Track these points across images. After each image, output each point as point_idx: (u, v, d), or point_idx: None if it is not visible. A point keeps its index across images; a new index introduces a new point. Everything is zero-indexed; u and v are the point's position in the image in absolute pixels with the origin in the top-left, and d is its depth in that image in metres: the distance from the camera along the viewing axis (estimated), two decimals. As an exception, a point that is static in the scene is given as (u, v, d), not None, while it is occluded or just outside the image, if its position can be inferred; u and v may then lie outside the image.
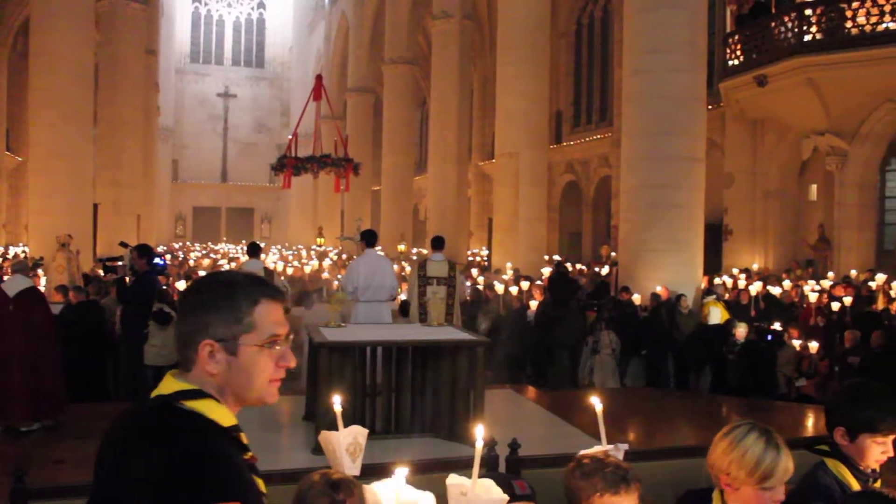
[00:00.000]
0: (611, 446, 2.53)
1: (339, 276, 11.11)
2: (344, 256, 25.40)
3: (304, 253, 31.40)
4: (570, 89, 29.86)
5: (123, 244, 10.82)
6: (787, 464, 2.27)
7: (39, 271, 14.28)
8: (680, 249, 12.87)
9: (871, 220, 18.75)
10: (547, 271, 16.93)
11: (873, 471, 2.66)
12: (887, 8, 15.43)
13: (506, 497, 1.67)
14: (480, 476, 2.58)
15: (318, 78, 19.31)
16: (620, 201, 14.41)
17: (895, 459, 2.72)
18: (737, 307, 12.78)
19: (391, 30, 30.56)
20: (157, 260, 10.61)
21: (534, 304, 12.44)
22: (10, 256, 21.16)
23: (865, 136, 17.60)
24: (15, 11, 29.09)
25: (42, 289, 10.01)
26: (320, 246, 30.84)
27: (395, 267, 16.19)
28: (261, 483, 1.66)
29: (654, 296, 12.17)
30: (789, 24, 16.71)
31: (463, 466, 5.29)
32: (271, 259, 24.40)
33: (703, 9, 13.60)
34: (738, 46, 18.54)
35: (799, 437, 6.77)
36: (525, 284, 14.14)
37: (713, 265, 17.62)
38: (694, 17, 13.19)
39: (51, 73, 16.75)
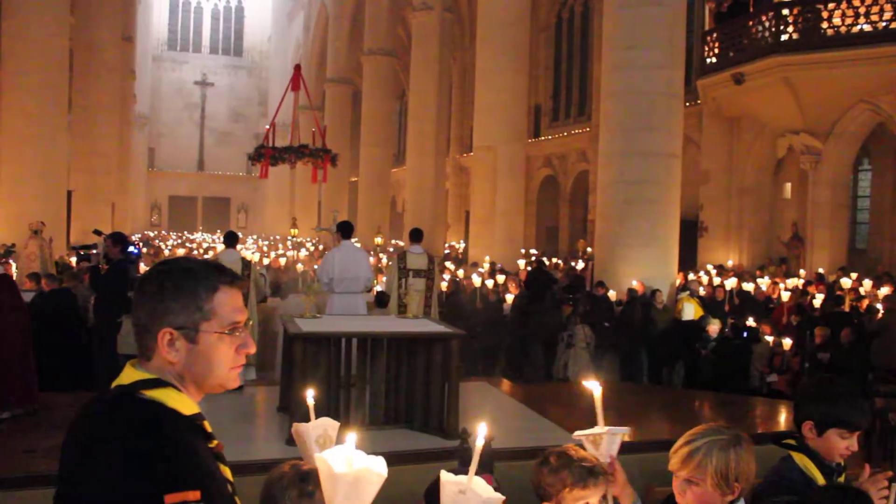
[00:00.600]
0: (609, 428, 2.52)
1: (316, 267, 11.08)
2: (321, 247, 25.30)
3: (280, 244, 31.26)
4: (549, 84, 29.93)
5: (97, 232, 10.71)
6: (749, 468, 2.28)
7: (11, 259, 14.10)
8: (655, 245, 12.96)
9: (844, 219, 18.97)
10: (522, 264, 16.98)
11: (838, 465, 2.70)
12: (862, 10, 15.60)
13: (501, 497, 1.67)
14: (451, 471, 2.60)
15: (297, 68, 19.18)
16: (597, 196, 14.48)
17: (860, 454, 2.77)
18: (711, 303, 12.89)
19: (371, 21, 30.42)
20: (131, 248, 10.51)
21: (510, 298, 12.48)
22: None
23: (839, 135, 17.80)
24: (-12, -6, 28.65)
25: (13, 276, 9.88)
26: (294, 237, 30.69)
27: (372, 259, 16.19)
28: (227, 471, 1.66)
29: (631, 291, 12.25)
30: (767, 24, 16.84)
31: (436, 458, 5.32)
32: (248, 249, 24.29)
33: (682, 6, 13.67)
34: (717, 44, 18.66)
35: (768, 432, 6.86)
36: (501, 278, 14.19)
37: (688, 261, 17.77)
38: (673, 14, 13.26)
39: (24, 58, 16.49)
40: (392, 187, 34.80)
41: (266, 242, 33.90)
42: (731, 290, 13.37)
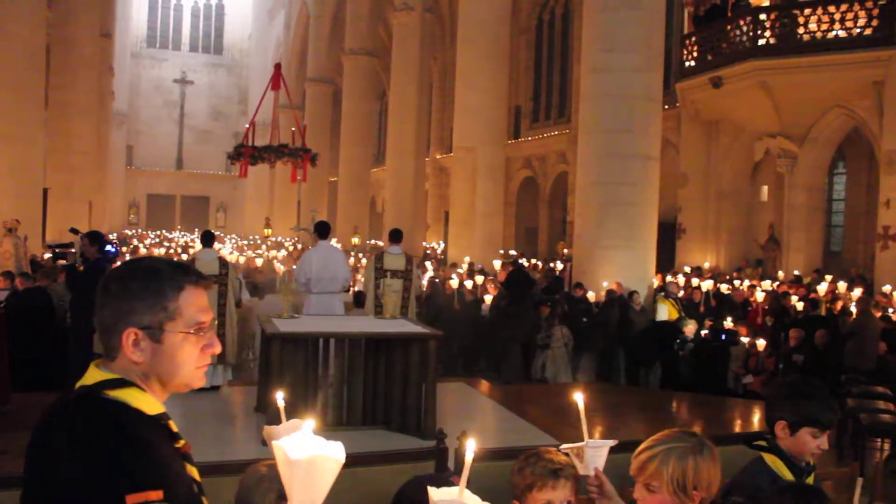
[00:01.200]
0: (591, 441, 2.52)
1: (294, 267, 11.05)
2: (300, 247, 25.23)
3: (263, 243, 31.12)
4: (529, 85, 30.00)
5: (74, 231, 10.61)
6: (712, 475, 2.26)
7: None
8: (633, 247, 13.04)
9: (819, 222, 19.19)
10: (498, 265, 17.02)
11: (807, 464, 2.74)
12: (837, 16, 15.79)
13: None
14: (423, 473, 2.61)
15: (277, 67, 19.12)
16: (576, 198, 14.54)
17: (832, 453, 2.81)
18: (689, 305, 12.99)
19: (352, 20, 30.37)
20: (108, 247, 10.43)
21: (488, 299, 12.51)
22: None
23: (815, 139, 17.99)
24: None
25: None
26: (269, 237, 30.59)
27: (352, 259, 16.17)
28: (194, 471, 1.65)
29: (609, 292, 12.31)
30: (744, 28, 16.99)
31: (413, 459, 5.32)
32: (227, 249, 24.17)
33: (660, 10, 13.77)
34: (695, 48, 18.80)
35: (740, 433, 6.94)
36: (480, 279, 14.22)
37: (666, 263, 17.89)
38: (652, 18, 13.36)
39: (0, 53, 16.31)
40: (372, 187, 34.77)
41: (245, 242, 33.73)
42: (708, 292, 13.48)
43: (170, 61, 51.58)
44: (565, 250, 20.59)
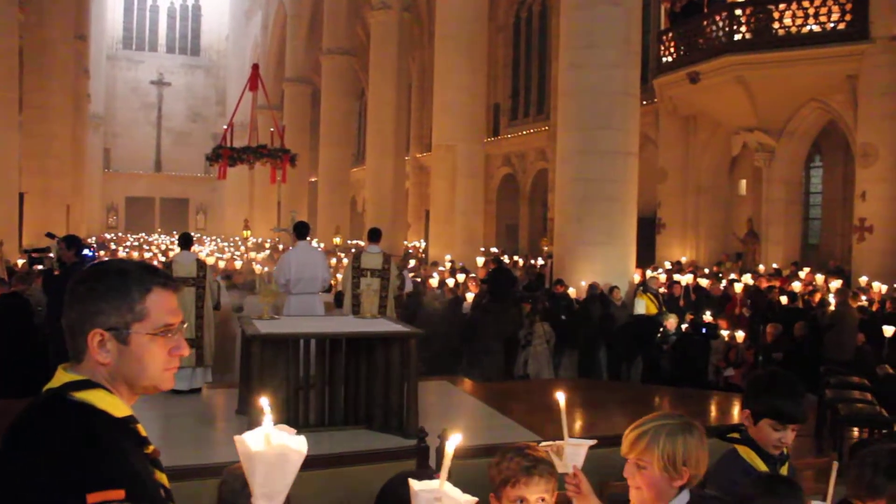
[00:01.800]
0: (570, 440, 2.53)
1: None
2: (281, 247, 25.13)
3: (243, 244, 31.00)
4: (507, 83, 30.04)
5: (50, 235, 10.51)
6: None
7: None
8: (613, 242, 13.09)
9: (797, 215, 19.36)
10: (481, 262, 17.02)
11: (782, 454, 2.75)
12: (811, 11, 15.94)
13: (475, 499, 1.68)
14: (406, 470, 2.60)
15: (255, 67, 19.01)
16: (556, 194, 14.58)
17: (811, 444, 2.82)
18: (669, 299, 13.06)
19: (329, 20, 30.28)
20: (85, 251, 10.33)
21: (470, 297, 12.51)
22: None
23: (791, 133, 18.15)
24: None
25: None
26: (247, 238, 30.48)
27: (334, 260, 16.12)
28: (163, 477, 1.64)
29: (590, 287, 12.35)
30: (720, 23, 17.10)
31: (395, 458, 5.31)
32: (206, 251, 24.03)
33: (637, 6, 13.83)
34: (672, 44, 18.90)
35: (718, 426, 6.99)
36: (461, 277, 14.21)
37: (646, 258, 17.97)
38: (629, 14, 13.41)
39: (-28, 57, 16.14)
40: (352, 187, 34.70)
41: (226, 244, 33.57)
42: (688, 286, 13.56)
43: (146, 63, 51.20)
44: (546, 247, 20.64)
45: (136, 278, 1.61)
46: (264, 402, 2.67)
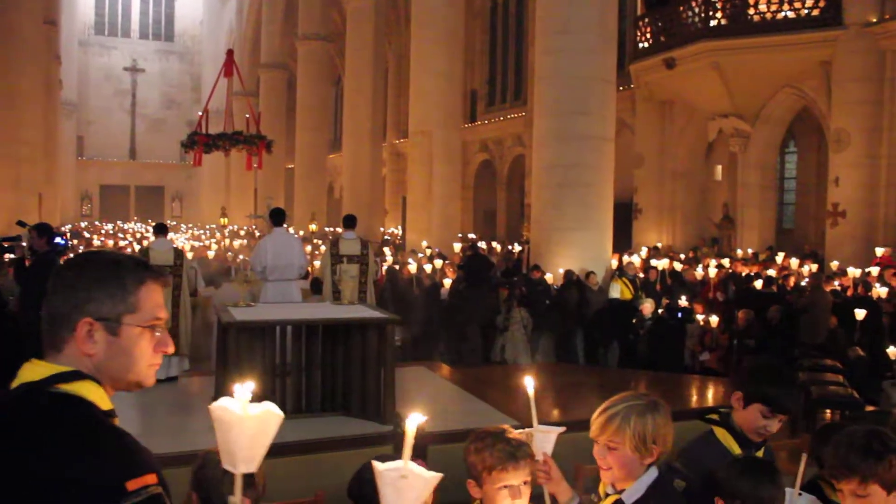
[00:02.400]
0: (540, 426, 2.54)
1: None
2: (258, 234, 25.02)
3: (219, 232, 30.80)
4: (484, 68, 29.98)
5: (21, 223, 10.38)
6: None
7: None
8: (590, 228, 13.13)
9: (772, 200, 19.55)
10: (458, 248, 17.03)
11: (763, 440, 2.80)
12: (786, -3, 16.07)
13: (440, 474, 1.68)
14: (382, 454, 2.60)
15: (230, 53, 18.87)
16: (532, 180, 14.60)
17: (785, 427, 2.85)
18: (645, 284, 13.14)
19: (305, 5, 30.04)
20: (58, 240, 10.22)
21: (447, 283, 12.53)
22: None
23: (766, 119, 18.29)
24: None
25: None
26: (225, 226, 30.29)
27: (310, 246, 16.06)
28: None
29: (568, 273, 12.39)
30: (696, 9, 17.17)
31: (372, 443, 5.32)
32: (182, 239, 23.85)
33: (613, -9, 13.84)
34: (648, 29, 18.95)
35: (695, 408, 7.08)
36: (438, 263, 14.22)
37: (623, 243, 18.06)
38: (605, -1, 13.42)
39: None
40: (329, 173, 34.56)
41: (201, 232, 33.35)
42: (664, 271, 13.64)
43: (119, 49, 50.52)
44: (526, 233, 20.70)
45: (130, 269, 1.57)
46: (242, 386, 2.66)
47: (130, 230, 33.07)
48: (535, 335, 11.34)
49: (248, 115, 18.47)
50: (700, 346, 10.67)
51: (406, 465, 1.69)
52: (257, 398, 1.60)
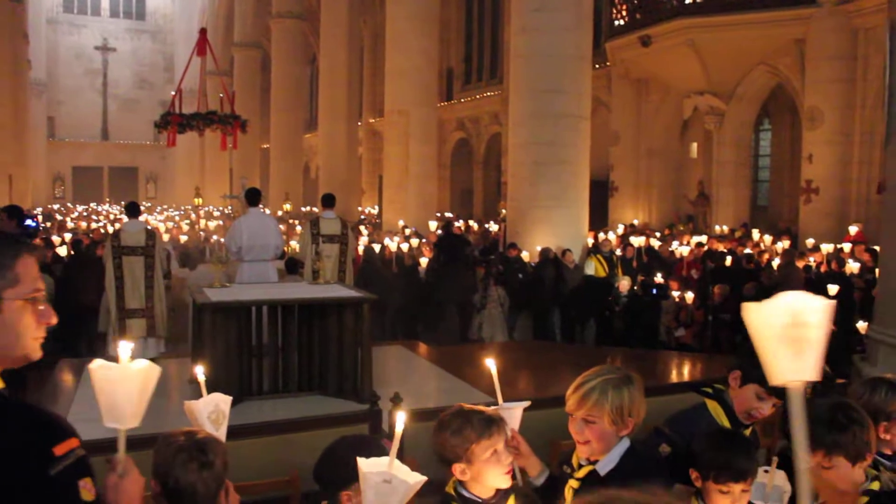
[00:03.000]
0: (505, 404, 2.56)
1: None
2: (234, 216, 24.86)
3: (194, 213, 30.54)
4: (460, 47, 29.82)
5: (-9, 205, 10.25)
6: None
7: None
8: (566, 206, 13.15)
9: (746, 178, 19.68)
10: (433, 226, 17.02)
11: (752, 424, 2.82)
12: (760, -26, 16.09)
13: (425, 478, 1.67)
14: (348, 435, 2.59)
15: (202, 32, 18.59)
16: (508, 158, 14.59)
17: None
18: (622, 261, 13.20)
19: (279, -18, 29.69)
20: (28, 222, 10.09)
21: (424, 262, 12.53)
22: None
23: (741, 96, 18.36)
24: None
25: None
26: (199, 206, 30.03)
27: (283, 226, 15.97)
28: None
29: (544, 251, 12.42)
30: (671, -14, 17.17)
31: (348, 422, 5.32)
32: (155, 220, 23.65)
33: (589, -32, 13.77)
34: (624, 7, 18.92)
35: (680, 383, 7.16)
36: (415, 242, 14.20)
37: (599, 221, 18.13)
38: (580, -24, 13.35)
39: None
40: (305, 153, 34.32)
41: (177, 213, 33.05)
42: (640, 248, 13.72)
43: (89, 28, 49.61)
44: (504, 211, 20.71)
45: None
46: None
47: (104, 212, 32.70)
48: (512, 313, 11.38)
49: (222, 95, 18.25)
50: (675, 322, 10.75)
51: (391, 466, 1.68)
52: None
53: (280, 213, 25.88)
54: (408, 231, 17.21)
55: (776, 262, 12.45)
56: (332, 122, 25.48)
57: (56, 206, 38.01)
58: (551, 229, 12.88)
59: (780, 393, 2.71)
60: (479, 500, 2.35)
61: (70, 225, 22.58)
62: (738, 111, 18.51)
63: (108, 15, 50.60)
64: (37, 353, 1.60)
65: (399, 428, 1.70)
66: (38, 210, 29.24)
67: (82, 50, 49.22)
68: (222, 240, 9.20)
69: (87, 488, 1.43)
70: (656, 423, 3.12)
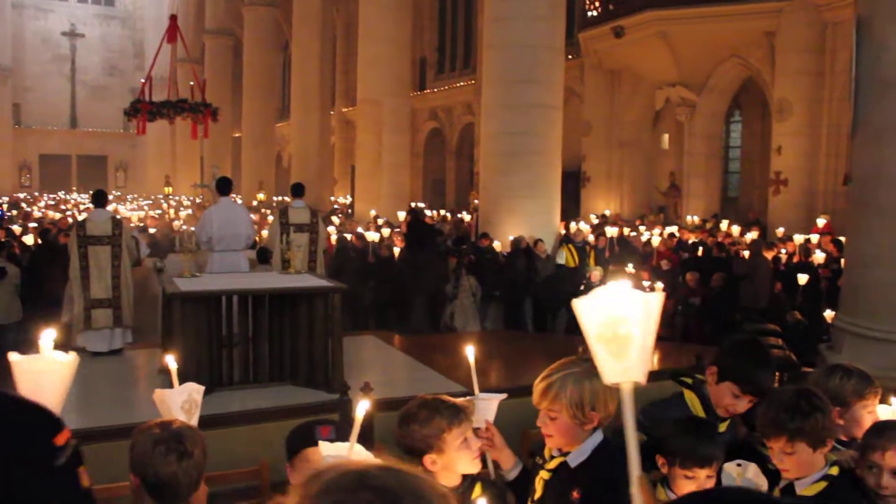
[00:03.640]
0: (481, 395, 2.56)
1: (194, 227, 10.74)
2: (206, 205, 24.63)
3: (165, 202, 30.26)
4: (434, 36, 29.73)
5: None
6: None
7: None
8: (538, 196, 13.17)
9: (717, 169, 19.85)
10: (402, 215, 16.98)
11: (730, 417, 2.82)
12: (732, -33, 16.19)
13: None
14: (311, 420, 2.59)
15: (173, 18, 18.39)
16: (481, 148, 14.59)
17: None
18: (594, 251, 13.26)
19: (251, -31, 29.39)
20: (-6, 210, 9.94)
21: (397, 251, 12.52)
22: None
23: (712, 88, 18.50)
24: None
25: None
26: (169, 195, 29.77)
27: (255, 216, 15.85)
28: None
29: (516, 241, 12.45)
30: (644, -22, 17.23)
31: (317, 412, 5.30)
32: (125, 210, 23.39)
33: (562, -42, 13.78)
34: (597, -3, 18.98)
35: (673, 369, 7.21)
36: (386, 231, 14.18)
37: (571, 211, 18.20)
38: (554, -34, 13.35)
39: None
40: (277, 142, 34.07)
41: (147, 202, 32.70)
42: (612, 238, 13.80)
43: (56, 12, 48.76)
44: (476, 201, 20.72)
45: None
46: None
47: (73, 201, 32.26)
48: (484, 303, 11.40)
49: (192, 83, 18.09)
50: (646, 311, 10.82)
51: (350, 451, 1.68)
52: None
53: (255, 202, 25.70)
54: (380, 221, 17.17)
55: (746, 253, 12.58)
56: (304, 111, 25.32)
57: (22, 195, 37.43)
58: (523, 219, 12.91)
59: (756, 391, 2.74)
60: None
61: (37, 214, 22.25)
62: (709, 103, 18.65)
63: (75, 0, 49.82)
64: None
65: (360, 414, 1.70)
66: (4, 199, 28.79)
67: (49, 35, 48.38)
68: (193, 229, 9.11)
69: (84, 475, 1.42)
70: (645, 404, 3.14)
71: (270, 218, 15.93)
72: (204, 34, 35.21)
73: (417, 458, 2.32)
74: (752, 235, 14.43)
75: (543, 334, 11.07)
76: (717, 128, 19.42)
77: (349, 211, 23.38)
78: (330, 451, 1.77)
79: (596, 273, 11.21)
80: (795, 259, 12.53)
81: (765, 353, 2.85)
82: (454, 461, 2.31)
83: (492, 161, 13.50)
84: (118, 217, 8.67)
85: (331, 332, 6.28)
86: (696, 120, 18.76)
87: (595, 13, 19.06)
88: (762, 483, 2.42)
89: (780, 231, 14.80)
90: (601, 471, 2.26)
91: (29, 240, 13.37)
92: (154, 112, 16.70)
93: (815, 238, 13.44)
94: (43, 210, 24.89)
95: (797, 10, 15.49)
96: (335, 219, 18.87)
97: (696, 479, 2.37)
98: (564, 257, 11.92)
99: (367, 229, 14.55)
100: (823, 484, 2.39)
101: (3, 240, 11.90)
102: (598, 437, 2.35)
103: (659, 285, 10.53)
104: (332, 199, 27.96)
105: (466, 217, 18.84)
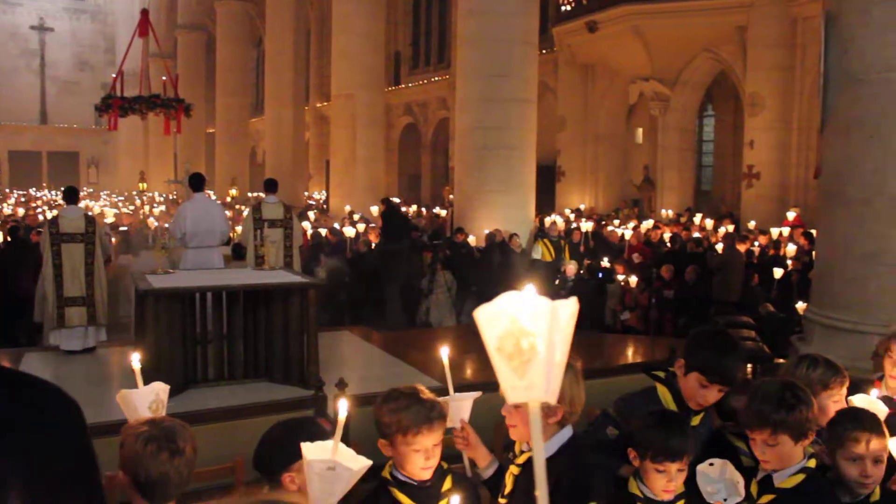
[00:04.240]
0: (454, 395, 2.55)
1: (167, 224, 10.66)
2: (179, 201, 24.42)
3: (139, 198, 29.96)
4: (408, 30, 29.65)
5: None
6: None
7: None
8: (513, 190, 13.21)
9: (690, 162, 20.02)
10: (375, 210, 16.96)
11: (703, 410, 2.82)
12: (704, -38, 16.32)
13: (369, 462, 1.65)
14: (288, 418, 2.58)
15: (144, 13, 18.20)
16: (455, 143, 14.60)
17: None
18: (569, 245, 13.31)
19: (223, -37, 29.13)
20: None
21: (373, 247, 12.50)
22: None
23: (685, 83, 18.64)
24: None
25: None
26: (143, 191, 29.48)
27: (229, 212, 15.77)
28: None
29: (491, 235, 12.48)
30: (617, -27, 17.31)
31: (293, 408, 5.30)
32: (97, 206, 23.15)
33: (537, -48, 13.80)
34: (571, -8, 19.04)
35: (625, 365, 7.30)
36: (361, 227, 14.16)
37: (546, 205, 18.27)
38: (528, -40, 13.36)
39: None
40: (251, 138, 33.87)
41: (120, 199, 32.37)
42: (587, 233, 13.87)
43: (24, 6, 47.98)
44: (451, 196, 20.73)
45: None
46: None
47: (43, 197, 31.85)
48: (460, 297, 11.41)
49: (165, 78, 17.89)
50: (621, 305, 10.91)
51: (334, 453, 1.67)
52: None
53: (228, 198, 25.53)
54: (356, 216, 17.14)
55: (719, 246, 12.70)
56: (278, 106, 25.17)
57: (-9, 192, 36.91)
58: (498, 214, 12.94)
59: (724, 380, 2.74)
60: (414, 483, 2.33)
61: (7, 212, 21.95)
62: (682, 97, 18.79)
63: (44, -7, 49.09)
64: None
65: (342, 415, 1.70)
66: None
67: (17, 29, 47.65)
68: (166, 225, 9.04)
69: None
70: (603, 405, 3.16)
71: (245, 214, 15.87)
72: (176, 29, 34.86)
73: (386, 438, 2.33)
74: (725, 229, 14.56)
75: (519, 328, 11.08)
76: (690, 122, 19.58)
77: (324, 206, 23.29)
78: (314, 455, 1.74)
79: (570, 267, 11.27)
80: (771, 252, 12.66)
81: (729, 342, 2.83)
82: (403, 459, 2.31)
83: (467, 156, 13.51)
84: (91, 214, 8.59)
85: (306, 329, 6.27)
86: (669, 114, 18.90)
87: (568, 7, 19.12)
88: (738, 479, 2.43)
89: (752, 224, 14.95)
90: (567, 467, 2.28)
91: (-2, 238, 13.18)
92: (126, 107, 16.52)
93: (786, 231, 13.59)
94: (13, 207, 24.57)
95: (768, 5, 15.64)
96: (311, 214, 18.80)
97: (666, 473, 2.38)
98: (540, 252, 11.96)
99: (343, 225, 14.51)
100: (801, 476, 2.41)
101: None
102: (567, 432, 2.37)
103: (633, 279, 10.65)
104: (307, 194, 27.84)
105: (442, 212, 18.84)
